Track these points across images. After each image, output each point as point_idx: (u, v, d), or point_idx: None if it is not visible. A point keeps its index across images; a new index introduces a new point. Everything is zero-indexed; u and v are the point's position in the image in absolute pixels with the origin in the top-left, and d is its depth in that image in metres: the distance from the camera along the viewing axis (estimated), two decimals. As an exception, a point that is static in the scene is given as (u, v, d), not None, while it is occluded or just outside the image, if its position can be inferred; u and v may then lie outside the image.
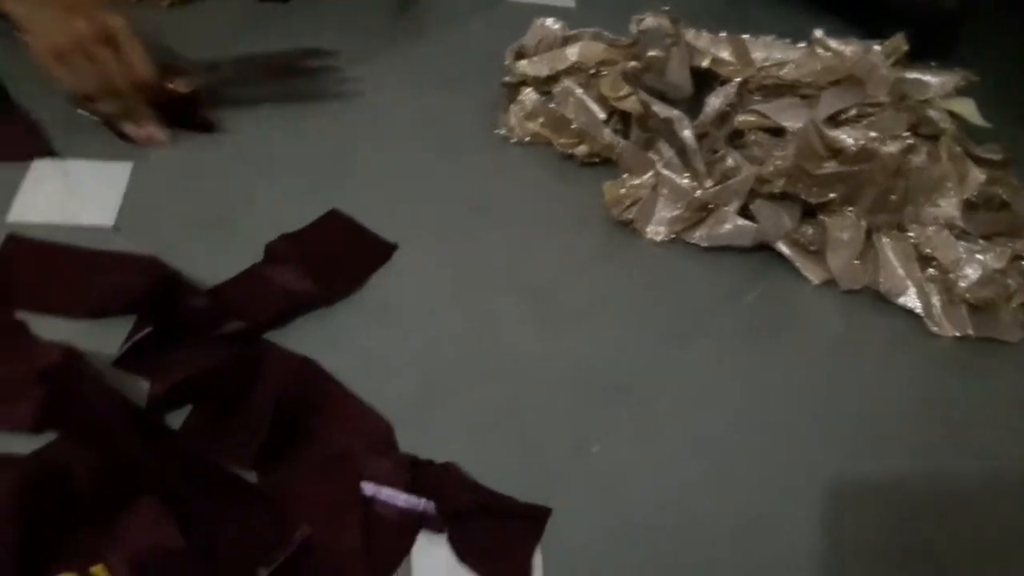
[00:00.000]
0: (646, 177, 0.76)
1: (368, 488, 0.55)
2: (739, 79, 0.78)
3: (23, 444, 0.55)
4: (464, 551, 0.53)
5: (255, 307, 0.64)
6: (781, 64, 0.81)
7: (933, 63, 0.82)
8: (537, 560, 0.54)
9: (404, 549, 0.53)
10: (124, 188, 0.72)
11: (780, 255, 0.73)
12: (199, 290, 0.64)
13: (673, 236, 0.74)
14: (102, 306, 0.63)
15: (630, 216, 0.74)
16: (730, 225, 0.72)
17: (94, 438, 0.55)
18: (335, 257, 0.69)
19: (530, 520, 0.55)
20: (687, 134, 0.74)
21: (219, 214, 0.72)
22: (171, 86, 0.75)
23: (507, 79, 0.83)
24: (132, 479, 0.54)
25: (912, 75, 0.79)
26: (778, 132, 0.76)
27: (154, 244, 0.67)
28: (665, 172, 0.75)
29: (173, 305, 0.62)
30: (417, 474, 0.56)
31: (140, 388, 0.59)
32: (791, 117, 0.75)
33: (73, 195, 0.72)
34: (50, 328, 0.62)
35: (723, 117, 0.78)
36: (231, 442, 0.56)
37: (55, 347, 0.60)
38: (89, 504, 0.52)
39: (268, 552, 0.51)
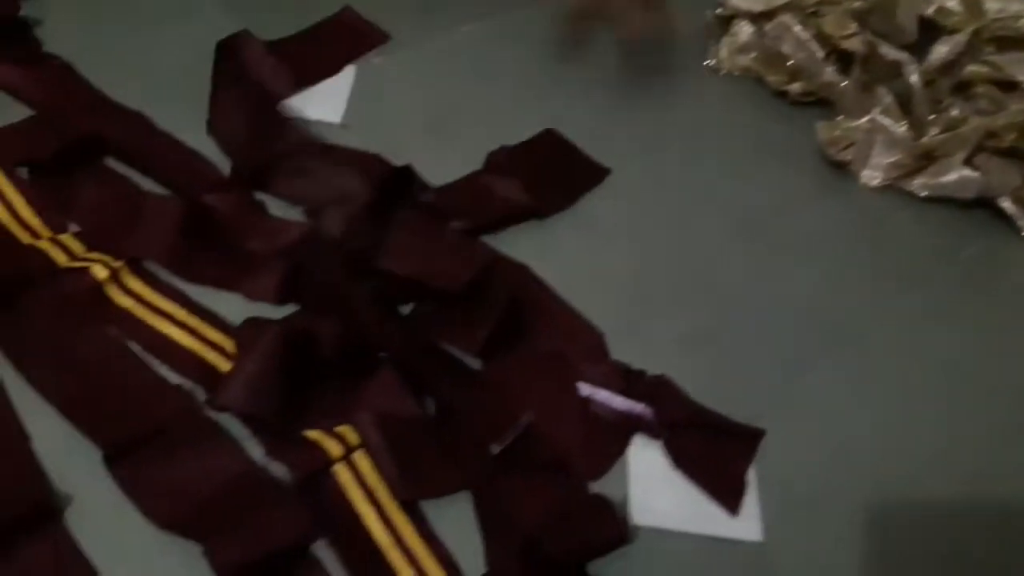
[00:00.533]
0: (862, 121, 0.74)
1: (584, 388, 0.58)
2: (972, 27, 0.75)
3: (266, 312, 0.60)
4: (681, 458, 0.55)
5: (475, 210, 0.67)
6: (1017, 16, 0.77)
7: None
8: (752, 476, 0.55)
9: (620, 449, 0.56)
10: (349, 88, 0.76)
11: (1000, 212, 0.71)
12: (428, 186, 0.67)
13: (889, 182, 0.72)
14: (335, 194, 0.66)
15: (847, 157, 0.73)
16: (954, 175, 0.70)
17: (333, 311, 0.59)
18: (550, 174, 0.70)
19: (745, 437, 0.56)
20: (915, 79, 0.72)
21: (438, 119, 0.74)
22: None
23: (719, 11, 0.82)
24: (371, 351, 0.58)
25: None
26: (1010, 87, 0.73)
27: (379, 143, 0.70)
28: (881, 119, 0.73)
29: (403, 196, 0.66)
30: (631, 382, 0.58)
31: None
32: (1028, 71, 0.72)
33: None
34: (282, 212, 0.66)
35: (949, 66, 0.75)
36: (460, 329, 0.59)
37: (295, 225, 0.64)
38: (333, 370, 0.57)
39: (497, 432, 0.54)
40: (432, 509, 0.53)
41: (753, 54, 0.79)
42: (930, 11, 0.79)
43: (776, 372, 0.61)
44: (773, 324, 0.63)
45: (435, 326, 0.60)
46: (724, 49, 0.81)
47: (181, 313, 0.59)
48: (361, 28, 0.80)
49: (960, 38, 0.75)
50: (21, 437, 0.54)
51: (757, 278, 0.66)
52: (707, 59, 0.81)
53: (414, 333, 0.60)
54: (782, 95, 0.78)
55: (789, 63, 0.78)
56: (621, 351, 0.61)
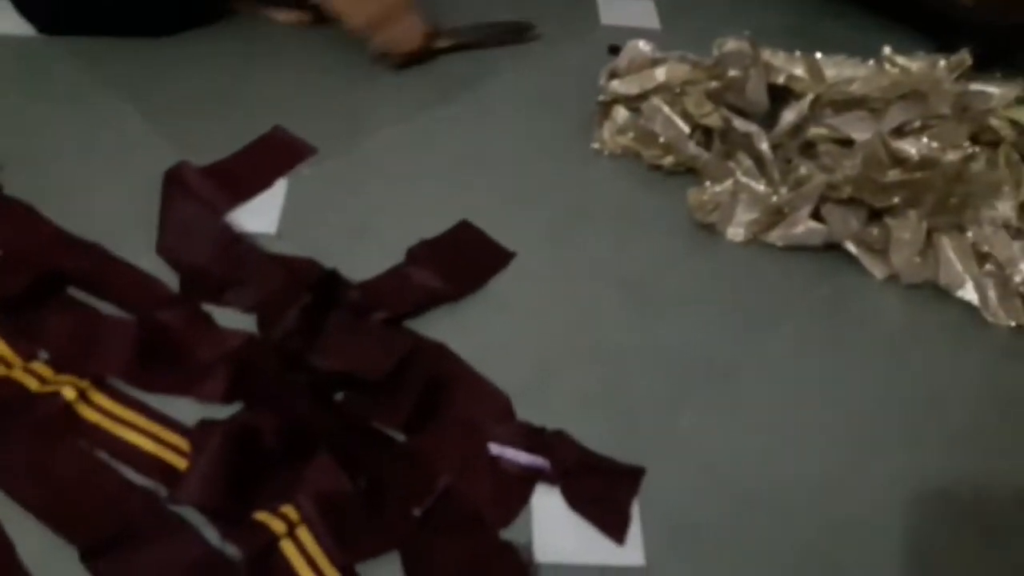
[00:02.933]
0: (726, 184, 0.85)
1: (494, 448, 0.67)
2: (812, 95, 0.87)
3: (215, 412, 0.69)
4: (574, 499, 0.64)
5: (397, 300, 0.77)
6: (851, 80, 0.89)
7: (999, 73, 0.89)
8: (635, 509, 0.64)
9: (525, 497, 0.65)
10: (282, 200, 0.86)
11: (848, 254, 0.82)
12: (352, 285, 0.77)
13: (751, 237, 0.83)
14: (274, 299, 0.76)
15: (713, 219, 0.84)
16: (803, 227, 0.81)
17: (275, 406, 0.68)
18: (463, 261, 0.81)
19: (628, 476, 0.66)
20: (764, 147, 0.84)
21: (363, 221, 0.84)
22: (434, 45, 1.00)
23: (601, 98, 0.94)
24: (308, 439, 0.67)
25: (976, 87, 0.86)
26: (847, 143, 0.84)
27: (311, 248, 0.80)
28: (744, 180, 0.85)
29: (332, 296, 0.75)
30: (533, 438, 0.68)
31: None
32: (859, 129, 0.83)
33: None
34: (228, 318, 0.76)
35: (796, 130, 0.86)
36: (385, 409, 0.69)
37: (238, 333, 0.74)
38: (277, 458, 0.66)
39: (419, 496, 0.64)
40: (367, 569, 0.62)
41: (631, 134, 0.91)
42: (781, 80, 0.91)
43: (658, 413, 0.71)
44: (656, 374, 0.74)
45: (364, 409, 0.70)
46: (606, 131, 0.92)
47: (142, 421, 0.68)
48: (290, 143, 0.91)
49: (803, 104, 0.87)
50: (6, 546, 0.62)
51: (641, 335, 0.77)
52: (592, 142, 0.92)
53: (346, 418, 0.69)
54: (657, 168, 0.90)
55: (661, 140, 0.89)
56: (528, 412, 0.71)
